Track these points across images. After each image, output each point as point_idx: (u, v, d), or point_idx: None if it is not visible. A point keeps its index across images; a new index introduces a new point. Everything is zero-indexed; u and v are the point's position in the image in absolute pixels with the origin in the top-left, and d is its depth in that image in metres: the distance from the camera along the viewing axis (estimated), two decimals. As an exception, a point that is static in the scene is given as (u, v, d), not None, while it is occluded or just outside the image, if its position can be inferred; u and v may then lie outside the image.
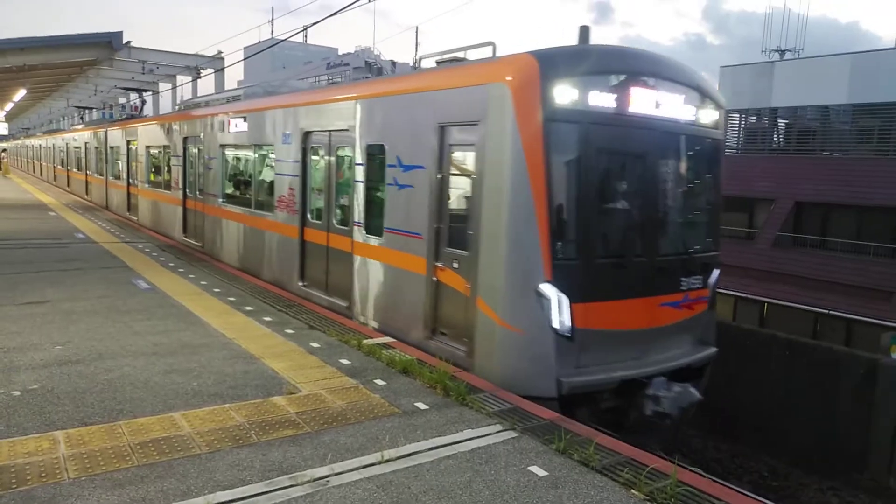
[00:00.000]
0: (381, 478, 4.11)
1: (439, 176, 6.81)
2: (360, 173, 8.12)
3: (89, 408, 5.03)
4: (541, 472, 4.26)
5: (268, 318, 8.04)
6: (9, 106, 51.59)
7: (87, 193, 26.38)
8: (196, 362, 6.24)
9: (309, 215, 9.42)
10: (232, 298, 9.08)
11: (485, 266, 6.19)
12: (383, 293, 7.76)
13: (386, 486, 4.01)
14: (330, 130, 8.80)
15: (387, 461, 4.33)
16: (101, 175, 23.63)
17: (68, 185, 30.97)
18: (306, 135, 9.30)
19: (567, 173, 6.35)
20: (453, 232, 6.73)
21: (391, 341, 7.26)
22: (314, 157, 9.39)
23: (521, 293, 6.00)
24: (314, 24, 14.58)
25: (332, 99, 9.02)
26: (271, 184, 10.60)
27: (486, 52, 7.26)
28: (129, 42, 25.33)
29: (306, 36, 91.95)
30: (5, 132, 63.18)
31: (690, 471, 4.34)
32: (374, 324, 7.86)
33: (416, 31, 62.77)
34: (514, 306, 6.02)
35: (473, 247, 6.32)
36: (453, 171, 6.79)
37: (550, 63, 6.08)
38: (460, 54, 7.65)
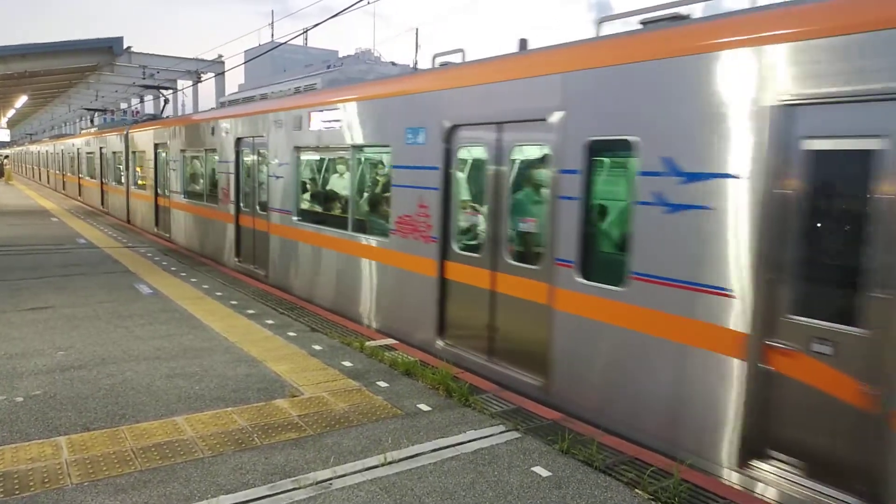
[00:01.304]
0: (384, 480, 4.10)
1: (778, 191, 4.08)
2: (569, 185, 5.33)
3: (92, 413, 5.03)
4: (544, 473, 4.25)
5: (270, 321, 8.04)
6: (11, 112, 51.77)
7: (102, 204, 23.89)
8: (198, 366, 6.24)
9: (454, 244, 6.71)
10: (234, 302, 9.08)
11: None
12: (626, 377, 4.96)
13: (389, 488, 4.00)
14: (501, 122, 6.10)
15: (389, 463, 4.32)
16: (122, 184, 20.73)
17: (80, 195, 28.65)
18: (453, 130, 6.63)
19: None
20: (819, 291, 4.05)
21: (393, 343, 7.25)
22: (467, 161, 6.83)
23: None
24: (314, 26, 14.66)
25: (510, 76, 6.04)
26: (381, 198, 8.27)
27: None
28: (129, 47, 25.42)
29: (306, 39, 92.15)
30: (7, 138, 63.36)
31: (694, 469, 4.32)
32: (603, 419, 5.10)
33: (416, 33, 63.00)
34: None
35: (887, 321, 3.63)
36: (817, 180, 3.98)
37: None
38: (683, 10, 5.20)
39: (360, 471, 4.21)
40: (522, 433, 4.87)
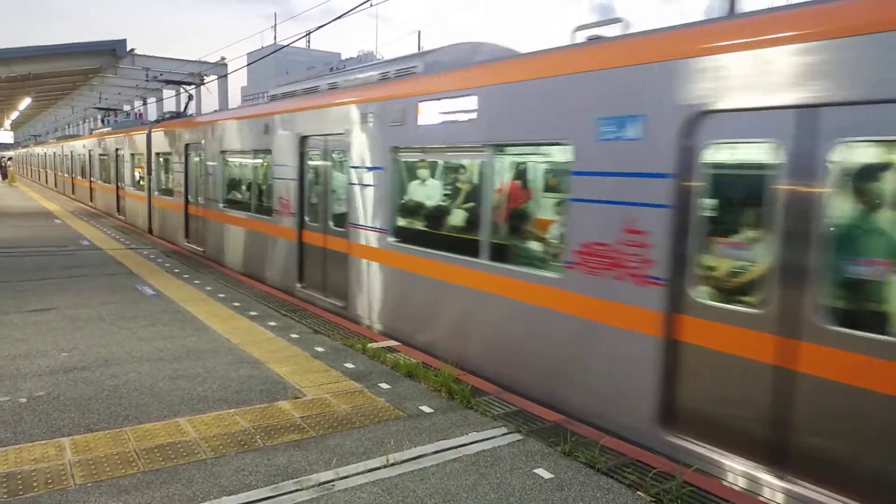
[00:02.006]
0: (387, 481, 4.11)
1: None
2: None
3: (95, 414, 5.05)
4: (546, 475, 4.25)
5: (272, 323, 8.05)
6: (14, 115, 51.96)
7: (118, 211, 21.86)
8: (201, 367, 6.25)
9: (695, 292, 4.53)
10: (236, 303, 9.10)
11: None
12: None
13: (391, 489, 4.01)
14: (835, 104, 3.82)
15: (392, 465, 4.33)
16: (142, 189, 18.51)
17: (91, 200, 26.77)
18: (701, 119, 4.45)
19: None
20: None
21: (396, 345, 7.25)
22: (728, 167, 4.59)
23: None
24: (317, 28, 14.38)
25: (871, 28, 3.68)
26: (541, 217, 6.59)
27: None
28: (132, 49, 25.49)
29: (309, 41, 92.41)
30: (11, 140, 63.58)
31: (696, 472, 4.31)
32: None
33: (419, 35, 63.15)
34: None
35: None
36: None
37: None
38: None
39: (362, 472, 4.22)
40: (524, 435, 4.87)
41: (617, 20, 5.70)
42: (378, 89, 8.05)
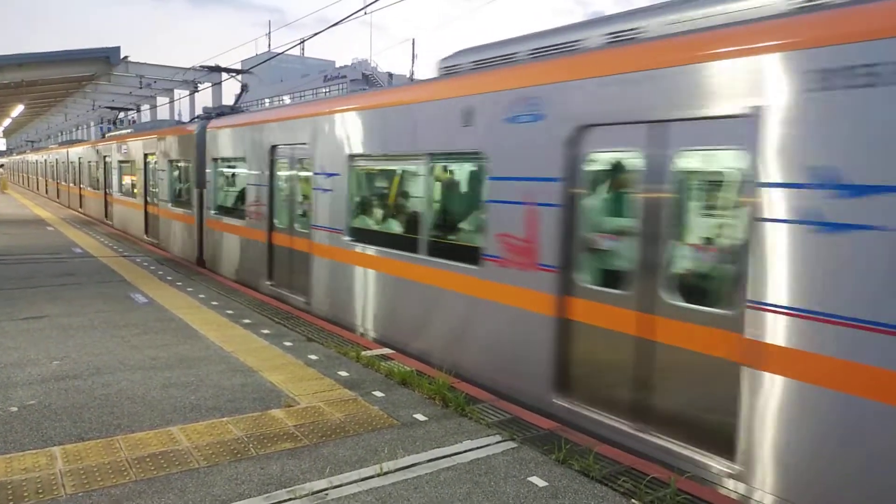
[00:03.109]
0: (380, 490, 4.09)
1: None
2: None
3: (87, 423, 5.01)
4: (541, 483, 4.25)
5: (266, 331, 8.03)
6: (6, 122, 51.79)
7: (147, 232, 17.64)
8: (194, 376, 6.22)
9: None
10: (230, 311, 9.07)
11: None
12: None
13: (385, 498, 3.99)
14: None
15: (386, 473, 4.31)
16: (188, 207, 14.18)
17: (107, 217, 22.74)
18: None
19: None
20: None
21: (390, 353, 7.24)
22: None
23: None
24: (311, 36, 14.35)
25: None
26: None
27: None
28: (126, 57, 25.51)
29: (303, 49, 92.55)
30: (3, 147, 63.29)
31: (690, 479, 4.32)
32: None
33: (413, 44, 63.30)
34: None
35: None
36: None
37: None
38: None
39: (355, 481, 4.20)
40: (519, 443, 4.86)
41: None
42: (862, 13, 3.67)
